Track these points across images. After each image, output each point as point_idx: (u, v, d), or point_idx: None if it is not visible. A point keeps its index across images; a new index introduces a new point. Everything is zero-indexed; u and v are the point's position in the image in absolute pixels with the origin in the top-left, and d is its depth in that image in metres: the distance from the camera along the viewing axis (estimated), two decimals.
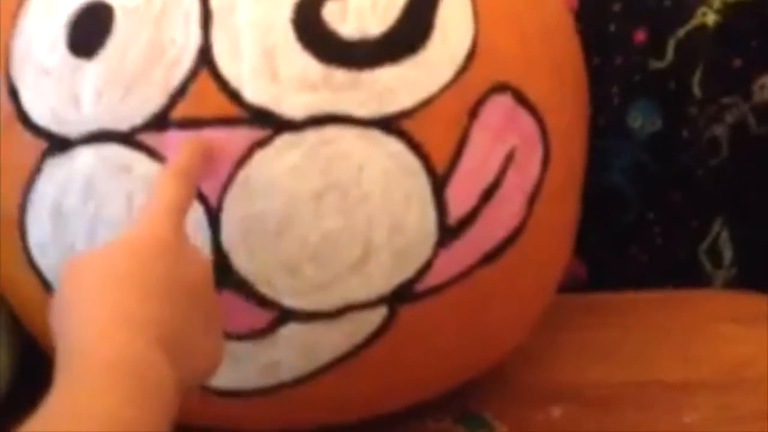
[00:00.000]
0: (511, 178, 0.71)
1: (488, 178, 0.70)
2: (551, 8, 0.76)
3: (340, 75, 0.67)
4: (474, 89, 0.69)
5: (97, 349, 0.52)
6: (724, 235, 0.97)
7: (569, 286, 0.89)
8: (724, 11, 0.91)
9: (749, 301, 0.92)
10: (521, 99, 0.71)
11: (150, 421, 0.50)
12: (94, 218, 0.69)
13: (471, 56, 0.69)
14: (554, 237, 0.77)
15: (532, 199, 0.73)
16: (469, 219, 0.70)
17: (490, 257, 0.71)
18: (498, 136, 0.70)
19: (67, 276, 0.57)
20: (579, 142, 0.78)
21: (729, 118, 0.94)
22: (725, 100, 0.94)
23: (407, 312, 0.70)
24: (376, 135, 0.67)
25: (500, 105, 0.70)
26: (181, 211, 0.60)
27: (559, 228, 0.78)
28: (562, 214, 0.78)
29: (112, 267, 0.57)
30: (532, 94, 0.72)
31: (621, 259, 0.99)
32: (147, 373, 0.52)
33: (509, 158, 0.71)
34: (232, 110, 0.66)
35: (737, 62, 0.93)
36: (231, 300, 0.68)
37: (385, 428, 0.78)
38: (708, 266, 0.98)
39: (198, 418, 0.75)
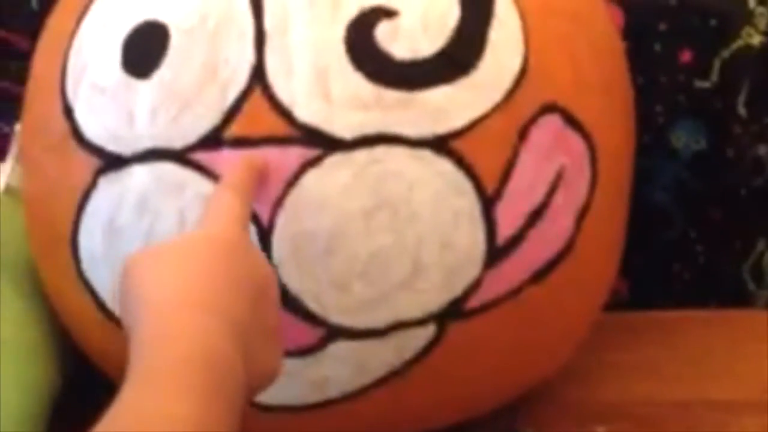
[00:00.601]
0: (559, 198, 0.71)
1: (537, 198, 0.70)
2: (600, 28, 0.76)
3: (392, 95, 0.67)
4: (524, 110, 0.69)
5: (174, 340, 0.51)
6: None
7: (612, 304, 0.89)
8: None
9: None
10: (570, 119, 0.71)
11: (224, 422, 0.49)
12: (147, 235, 0.69)
13: (521, 77, 0.69)
14: (601, 256, 0.77)
15: (581, 219, 0.72)
16: (517, 238, 0.70)
17: (538, 276, 0.71)
18: (547, 157, 0.70)
19: (137, 265, 0.56)
20: (626, 161, 0.78)
21: None
22: None
23: (456, 329, 0.70)
24: (427, 155, 0.67)
25: (550, 125, 0.70)
26: (245, 220, 0.60)
27: (607, 247, 0.78)
28: (610, 233, 0.77)
29: (189, 257, 0.56)
30: (582, 114, 0.72)
31: (664, 277, 0.99)
32: (223, 369, 0.50)
33: (558, 178, 0.71)
34: (284, 129, 0.67)
35: None
36: (282, 318, 0.68)
37: None
38: (751, 285, 0.98)
39: None
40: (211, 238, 0.57)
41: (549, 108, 0.70)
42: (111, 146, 0.70)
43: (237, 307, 0.54)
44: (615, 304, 0.93)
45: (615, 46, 0.78)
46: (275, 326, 0.59)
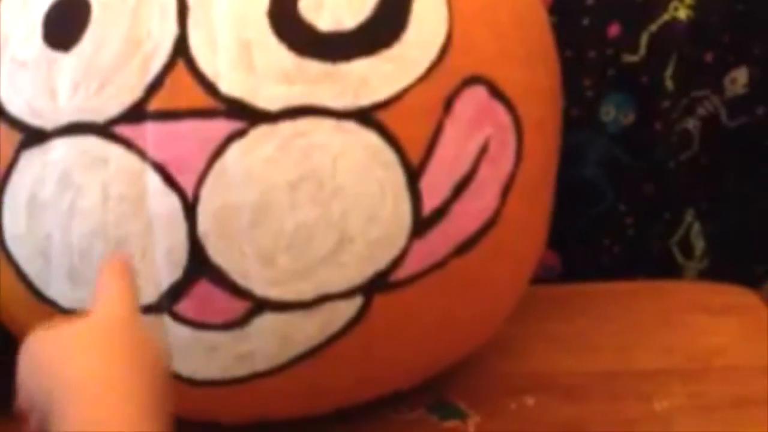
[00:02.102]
0: (484, 170, 0.71)
1: (462, 169, 0.71)
2: (524, 1, 0.77)
3: (315, 67, 0.67)
4: (448, 81, 0.70)
5: (107, 426, 0.52)
6: (696, 227, 0.99)
7: (543, 277, 0.90)
8: (696, 6, 0.92)
9: (720, 292, 0.93)
10: (495, 91, 0.71)
11: None
12: (70, 210, 0.69)
13: (445, 49, 0.70)
14: (528, 228, 0.78)
15: (506, 191, 0.73)
16: (443, 210, 0.70)
17: (463, 248, 0.72)
18: (472, 128, 0.71)
19: (45, 343, 0.57)
20: (553, 134, 0.79)
21: (701, 111, 0.96)
22: (697, 94, 0.95)
23: (382, 302, 0.70)
24: (352, 127, 0.67)
25: (474, 97, 0.71)
26: (134, 300, 0.61)
27: (533, 220, 0.78)
28: (536, 205, 0.78)
29: (98, 340, 0.57)
30: (506, 86, 0.72)
31: (594, 250, 1.00)
32: None
33: (483, 150, 0.71)
34: (208, 102, 0.67)
35: (709, 56, 0.94)
36: (206, 290, 0.69)
37: (359, 418, 0.78)
38: (680, 258, 0.99)
39: (176, 412, 0.75)
40: (115, 320, 0.59)
41: (473, 80, 0.71)
42: (33, 120, 0.70)
43: (148, 387, 0.56)
44: (546, 277, 0.95)
45: (539, 18, 0.79)
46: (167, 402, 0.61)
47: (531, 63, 0.76)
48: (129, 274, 0.62)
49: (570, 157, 0.84)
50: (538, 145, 0.76)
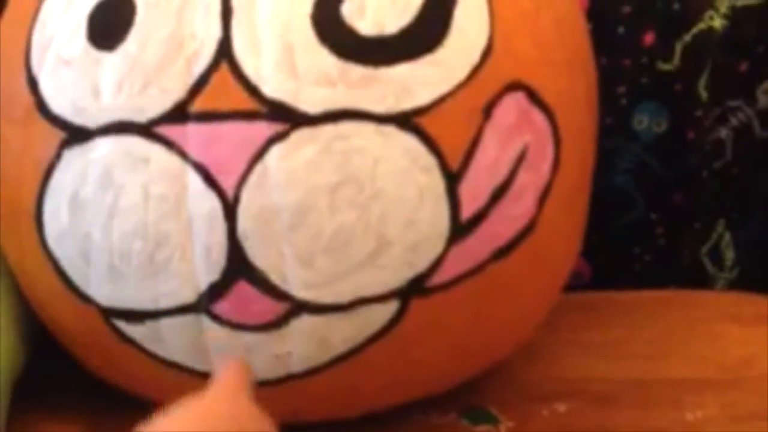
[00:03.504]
0: (522, 177, 0.71)
1: (501, 176, 0.71)
2: (565, 8, 0.77)
3: (357, 71, 0.67)
4: (489, 87, 0.70)
5: None
6: (727, 238, 0.98)
7: (573, 284, 0.90)
8: (732, 15, 0.92)
9: (750, 302, 0.93)
10: (534, 98, 0.71)
11: None
12: (111, 208, 0.70)
13: (486, 55, 0.69)
14: (563, 235, 0.78)
15: (543, 198, 0.73)
16: (481, 216, 0.70)
17: (500, 254, 0.72)
18: (511, 135, 0.71)
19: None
20: (590, 141, 0.79)
21: (734, 121, 0.95)
22: (730, 103, 0.95)
23: (418, 306, 0.71)
24: (392, 131, 0.67)
25: (514, 103, 0.71)
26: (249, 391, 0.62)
27: (569, 227, 0.78)
28: (572, 213, 0.78)
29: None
30: (546, 92, 0.72)
31: (624, 259, 1.00)
32: None
33: (522, 157, 0.71)
34: (250, 104, 0.67)
35: (743, 66, 0.94)
36: (245, 291, 0.69)
37: (391, 421, 0.79)
38: (710, 268, 0.99)
39: None
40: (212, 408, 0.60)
41: (513, 86, 0.70)
42: (76, 119, 0.70)
43: None
44: (577, 285, 0.95)
45: (579, 26, 0.78)
46: None
47: (571, 71, 0.75)
48: (245, 372, 0.63)
49: (601, 165, 0.84)
50: (575, 154, 0.76)
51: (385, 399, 0.78)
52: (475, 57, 0.69)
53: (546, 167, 0.73)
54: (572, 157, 0.75)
